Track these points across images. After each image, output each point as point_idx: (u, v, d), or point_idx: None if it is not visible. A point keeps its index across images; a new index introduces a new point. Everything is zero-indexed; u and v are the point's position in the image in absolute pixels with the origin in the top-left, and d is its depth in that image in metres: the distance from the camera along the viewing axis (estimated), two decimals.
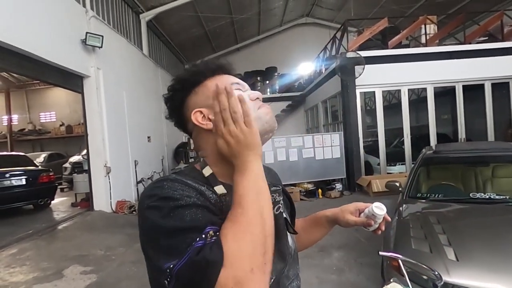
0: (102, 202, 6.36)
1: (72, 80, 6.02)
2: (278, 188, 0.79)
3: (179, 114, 0.75)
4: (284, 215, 0.79)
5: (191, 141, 13.52)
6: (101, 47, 6.02)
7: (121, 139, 7.09)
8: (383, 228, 0.88)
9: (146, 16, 9.05)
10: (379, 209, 0.84)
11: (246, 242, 0.53)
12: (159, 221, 0.56)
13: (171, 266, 0.53)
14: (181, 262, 0.52)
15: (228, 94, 0.65)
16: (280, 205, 0.77)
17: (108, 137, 6.44)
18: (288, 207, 0.86)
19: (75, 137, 14.03)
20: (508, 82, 7.89)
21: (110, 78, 6.71)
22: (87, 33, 5.80)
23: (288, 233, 0.79)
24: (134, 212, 6.48)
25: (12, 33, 4.31)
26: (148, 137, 8.80)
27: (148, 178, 8.08)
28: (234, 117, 0.64)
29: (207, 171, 0.69)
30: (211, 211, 0.60)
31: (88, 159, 6.42)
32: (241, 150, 0.62)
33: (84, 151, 7.24)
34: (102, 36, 5.96)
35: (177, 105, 0.74)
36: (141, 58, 8.77)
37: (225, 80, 0.72)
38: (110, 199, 6.42)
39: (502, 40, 7.92)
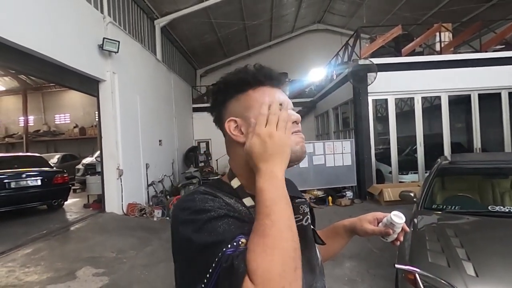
0: (114, 204, 6.44)
1: (88, 84, 6.17)
2: (304, 200, 0.79)
3: (219, 113, 0.74)
4: (312, 226, 0.79)
5: (201, 145, 13.69)
6: (117, 52, 6.16)
7: (133, 142, 7.20)
8: (401, 239, 0.87)
9: (160, 22, 9.23)
10: (397, 217, 0.82)
11: (277, 259, 0.50)
12: (193, 236, 0.57)
13: (204, 282, 0.54)
14: (215, 274, 0.53)
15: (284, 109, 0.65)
16: (308, 216, 0.78)
17: (122, 140, 6.55)
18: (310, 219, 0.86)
19: (88, 139, 14.33)
20: None
21: (125, 82, 6.84)
22: (104, 38, 5.94)
23: (315, 245, 0.79)
24: (144, 215, 6.55)
25: (35, 39, 4.45)
26: (160, 141, 8.91)
27: (159, 181, 8.16)
28: (280, 124, 0.62)
29: (235, 183, 0.70)
30: (243, 220, 0.60)
31: (101, 162, 6.53)
32: (274, 154, 0.60)
33: (97, 153, 7.38)
34: (119, 42, 6.10)
35: (218, 105, 0.73)
36: (154, 63, 8.92)
37: (271, 97, 0.70)
38: (122, 201, 6.50)
39: None
